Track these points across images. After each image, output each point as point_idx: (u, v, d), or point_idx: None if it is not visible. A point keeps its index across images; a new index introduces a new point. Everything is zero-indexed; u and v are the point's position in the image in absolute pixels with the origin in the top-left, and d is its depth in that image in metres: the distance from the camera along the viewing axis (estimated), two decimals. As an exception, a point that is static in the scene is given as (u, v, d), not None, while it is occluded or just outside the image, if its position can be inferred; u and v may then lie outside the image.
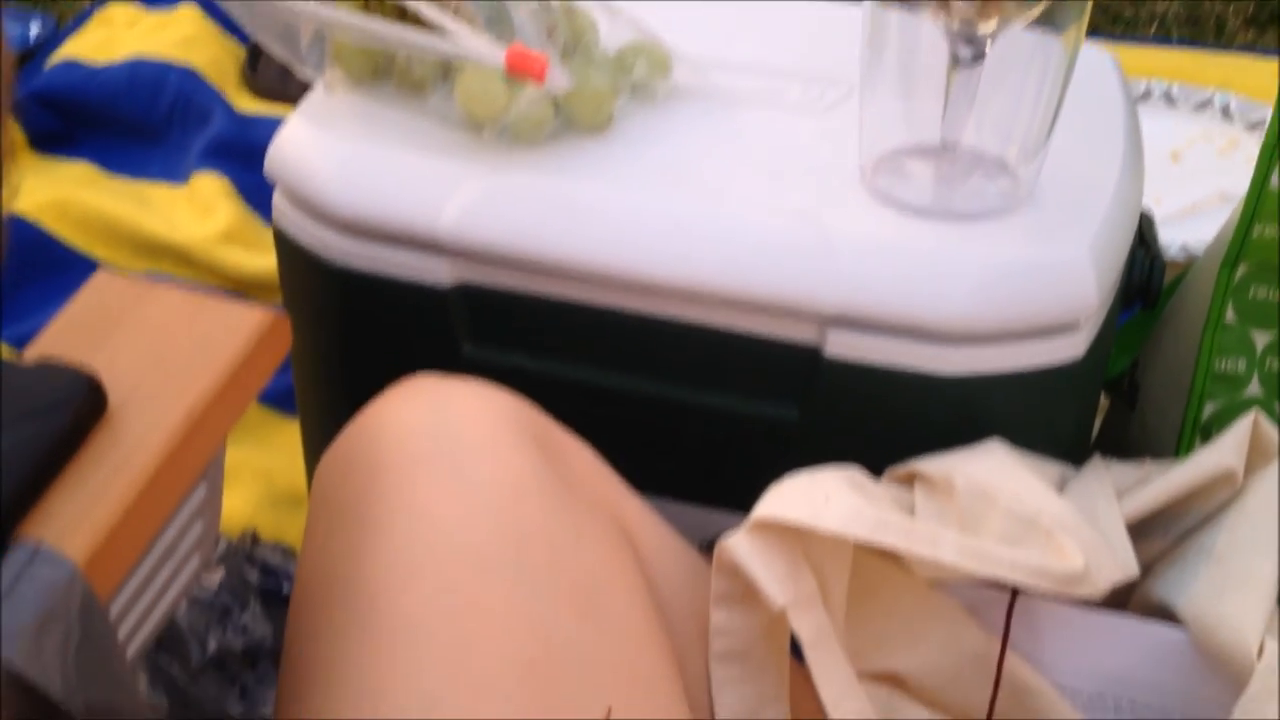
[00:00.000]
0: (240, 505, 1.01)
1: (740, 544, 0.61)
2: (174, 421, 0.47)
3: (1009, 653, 0.65)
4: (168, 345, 0.50)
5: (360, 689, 0.53)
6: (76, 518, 0.44)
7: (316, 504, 0.61)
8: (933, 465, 0.67)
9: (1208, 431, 0.74)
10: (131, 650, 0.49)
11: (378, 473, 0.58)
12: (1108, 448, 0.74)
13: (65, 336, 0.50)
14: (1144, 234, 0.78)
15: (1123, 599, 0.70)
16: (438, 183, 0.73)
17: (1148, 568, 0.69)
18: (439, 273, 0.74)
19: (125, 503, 0.45)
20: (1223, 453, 0.66)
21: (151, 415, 0.47)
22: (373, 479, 0.58)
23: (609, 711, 0.49)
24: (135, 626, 0.49)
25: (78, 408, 0.46)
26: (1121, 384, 0.86)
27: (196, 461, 0.48)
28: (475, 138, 0.74)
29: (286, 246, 0.79)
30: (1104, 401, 0.91)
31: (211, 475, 0.51)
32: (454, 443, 0.59)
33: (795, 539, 0.61)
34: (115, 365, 0.48)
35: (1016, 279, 0.68)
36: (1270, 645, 0.59)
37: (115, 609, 0.47)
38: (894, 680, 0.67)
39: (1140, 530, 0.68)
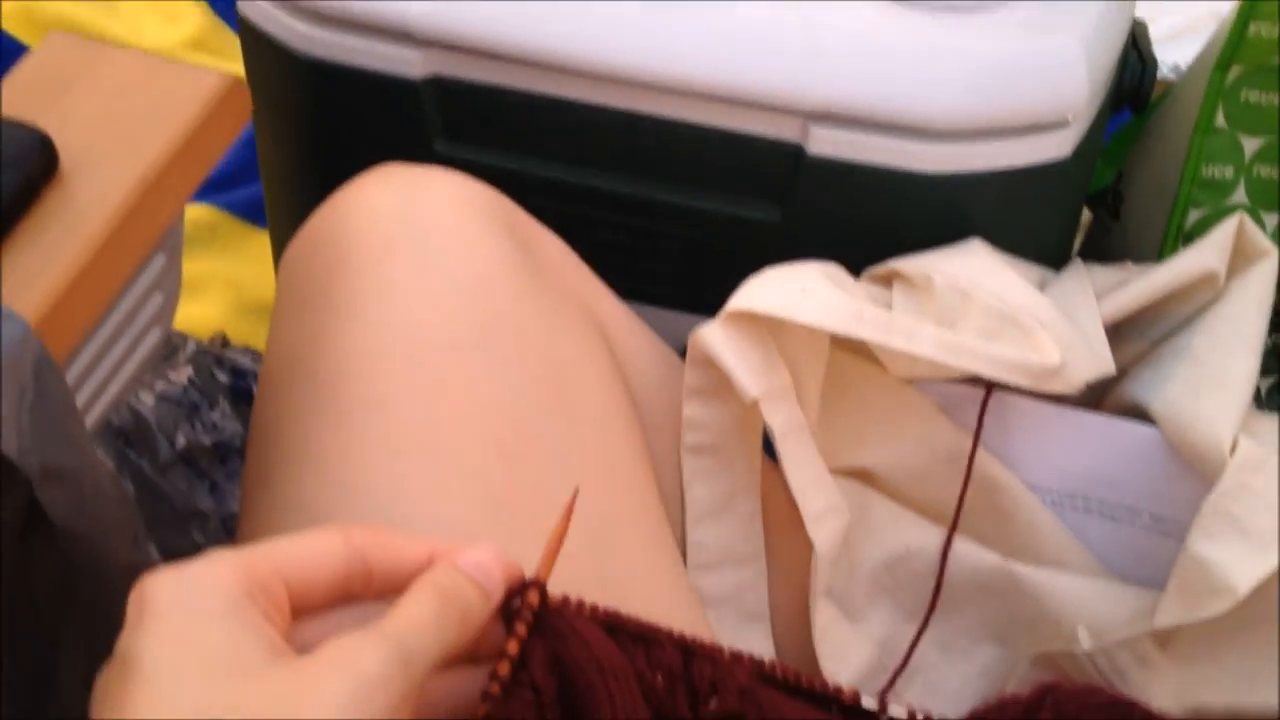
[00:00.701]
0: (210, 313, 0.99)
1: (714, 334, 0.60)
2: (129, 183, 0.46)
3: (980, 450, 0.65)
4: (123, 107, 0.48)
5: (327, 470, 0.53)
6: (29, 276, 0.42)
7: (283, 289, 0.60)
8: (912, 264, 0.66)
9: (1191, 239, 0.73)
10: (91, 418, 0.48)
11: (345, 255, 0.57)
12: (1090, 260, 0.73)
13: (15, 96, 0.48)
14: (1137, 38, 0.76)
15: (1098, 402, 0.70)
16: (409, -33, 0.70)
17: (1124, 371, 0.68)
18: (410, 64, 0.72)
19: (79, 263, 0.43)
20: (1205, 254, 0.65)
21: (106, 176, 0.46)
22: (339, 262, 0.57)
23: (576, 491, 0.48)
24: (94, 395, 0.48)
25: (28, 166, 0.44)
26: (1106, 197, 0.85)
27: (153, 226, 0.47)
28: (448, -79, 0.71)
29: (253, 38, 0.77)
30: (1087, 217, 0.90)
31: (170, 246, 0.50)
32: (423, 226, 0.57)
33: (770, 331, 0.60)
34: (68, 126, 0.46)
35: (1007, 71, 0.66)
36: (1243, 443, 0.59)
37: (73, 374, 0.46)
38: (865, 476, 0.67)
39: (1118, 334, 0.68)
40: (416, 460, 0.52)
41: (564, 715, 0.43)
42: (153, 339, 0.51)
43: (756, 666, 0.46)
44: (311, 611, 0.42)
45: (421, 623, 0.40)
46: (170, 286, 0.50)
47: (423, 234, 0.57)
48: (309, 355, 0.56)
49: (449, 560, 0.43)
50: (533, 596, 0.45)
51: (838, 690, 0.46)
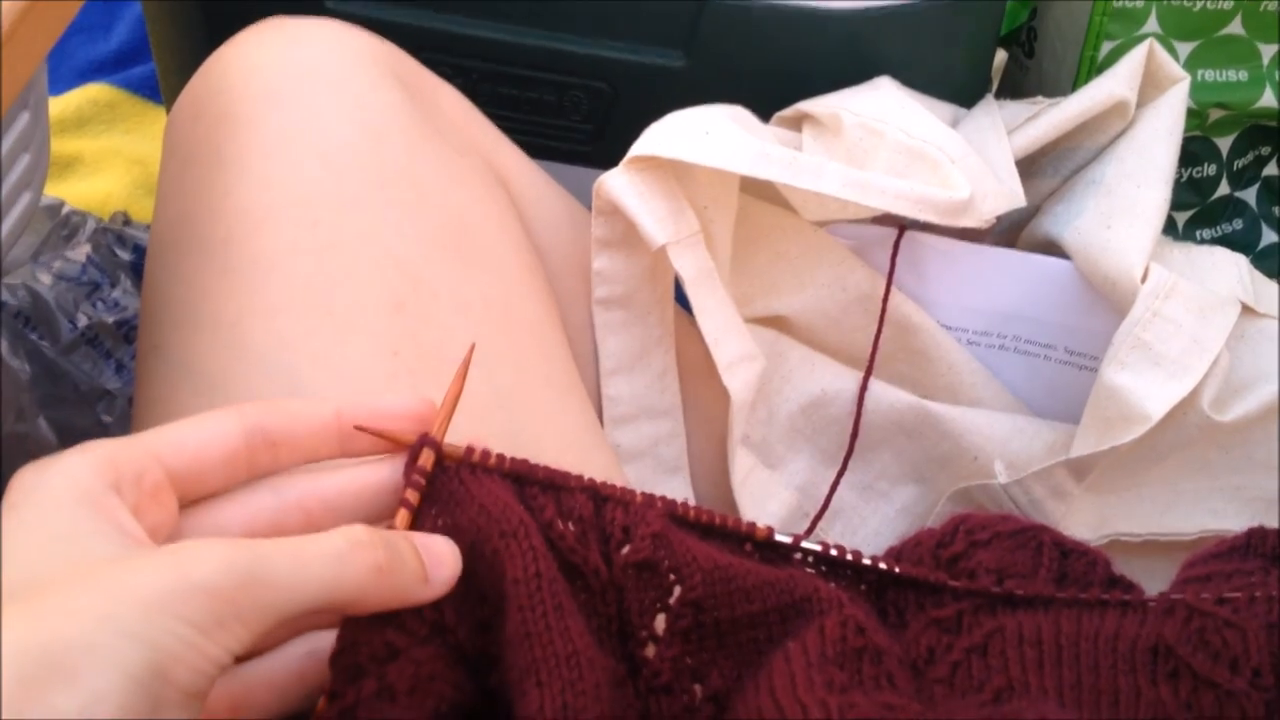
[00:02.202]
0: (112, 191, 0.96)
1: (617, 181, 0.58)
2: (-20, 33, 0.43)
3: (894, 291, 0.64)
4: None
5: (220, 333, 0.51)
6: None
7: (167, 152, 0.58)
8: (820, 104, 0.64)
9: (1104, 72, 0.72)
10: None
11: (226, 112, 0.55)
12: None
13: None
14: None
15: (1013, 240, 0.69)
16: None
17: (1039, 208, 0.68)
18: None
19: (-69, 117, 0.41)
20: (1114, 82, 0.64)
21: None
22: (221, 119, 0.55)
23: (472, 347, 0.47)
24: (-36, 261, 0.46)
25: None
26: (1019, 35, 0.83)
27: (12, 80, 0.44)
28: None
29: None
30: (1003, 58, 0.88)
31: (34, 103, 0.47)
32: (309, 79, 0.55)
33: (676, 176, 0.59)
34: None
35: (909, -100, 0.64)
36: (1155, 270, 0.59)
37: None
38: (780, 323, 0.66)
39: (1031, 169, 0.67)
40: (311, 319, 0.50)
41: (466, 581, 0.42)
42: (24, 202, 0.48)
43: (669, 508, 0.45)
44: (214, 494, 0.41)
45: (307, 553, 0.37)
46: (38, 147, 0.48)
47: (305, 85, 0.55)
48: (197, 217, 0.54)
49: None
50: (425, 459, 0.43)
51: (751, 527, 0.45)
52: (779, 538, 0.45)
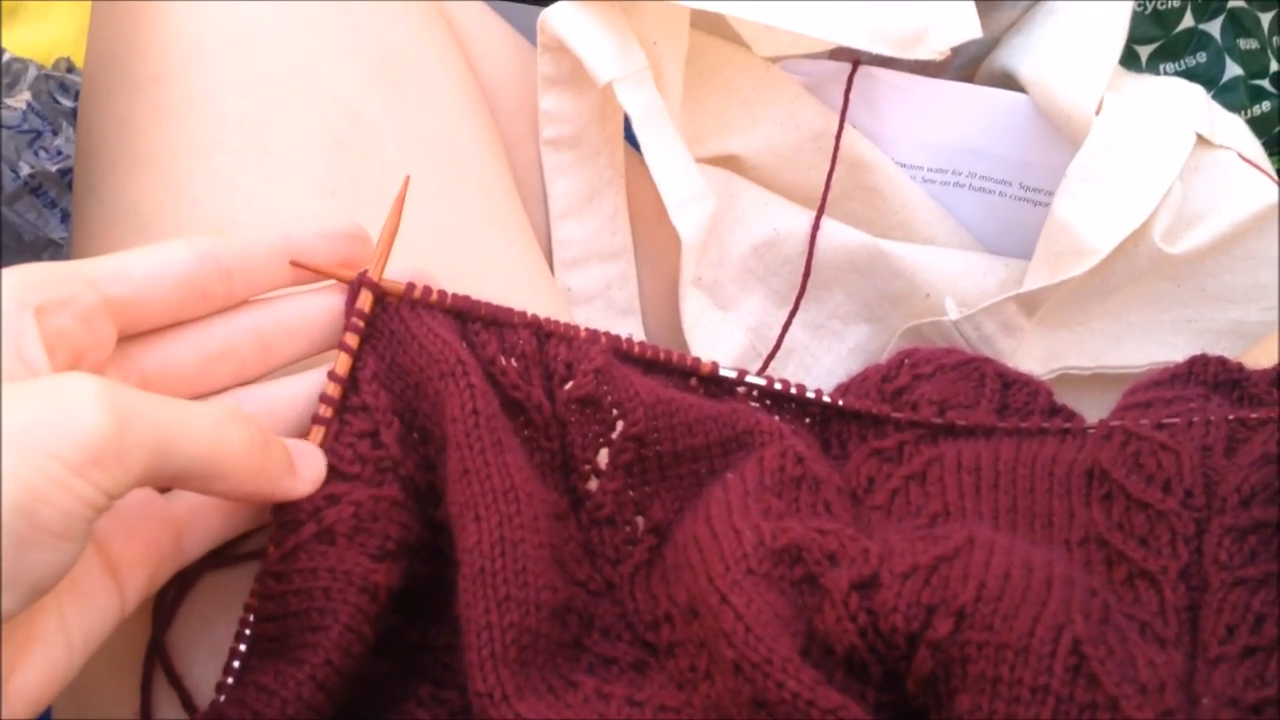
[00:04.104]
0: (57, 38, 0.93)
1: (562, 14, 0.57)
2: None
3: (848, 129, 0.63)
4: None
5: (155, 172, 0.50)
6: None
7: (98, -9, 0.56)
8: (773, -65, 0.62)
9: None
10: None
11: (157, -55, 0.53)
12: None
13: None
14: None
15: (971, 76, 0.68)
16: None
17: (997, 40, 0.66)
18: None
19: None
20: (1076, -91, 0.62)
21: None
22: (151, -47, 0.53)
23: (406, 180, 0.46)
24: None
25: None
26: None
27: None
28: None
29: None
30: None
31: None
32: (240, -90, 0.53)
33: (623, 10, 0.57)
34: None
35: None
36: (1109, 102, 0.58)
37: None
38: (733, 162, 0.65)
39: (989, 1, 0.65)
40: (246, 156, 0.49)
41: (406, 426, 0.42)
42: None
43: (613, 344, 0.44)
44: (166, 324, 0.41)
45: (189, 408, 0.35)
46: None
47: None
48: (128, 55, 0.52)
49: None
50: (364, 300, 0.43)
51: (696, 362, 0.45)
52: (723, 372, 0.45)
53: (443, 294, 0.44)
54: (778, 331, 0.64)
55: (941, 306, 0.61)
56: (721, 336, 0.63)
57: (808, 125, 0.63)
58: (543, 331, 0.44)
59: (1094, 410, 0.47)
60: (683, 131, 0.61)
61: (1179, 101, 0.59)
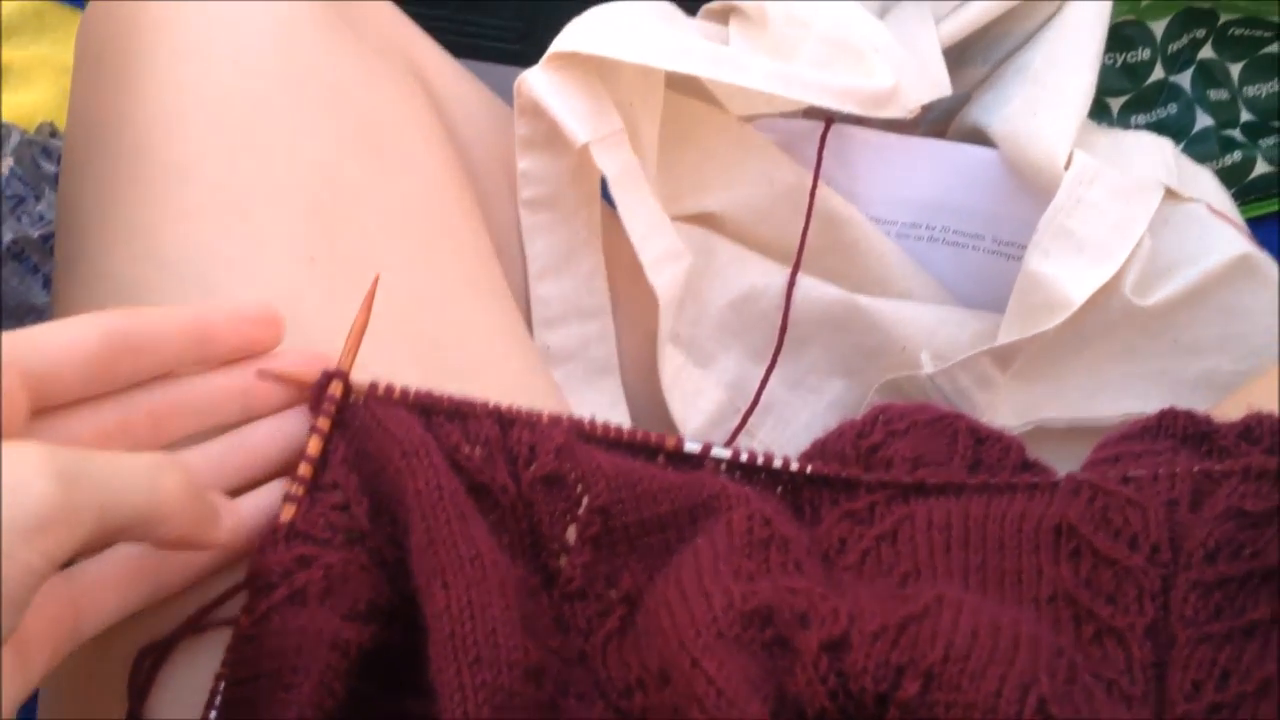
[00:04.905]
0: (40, 102, 0.94)
1: (538, 79, 0.58)
2: None
3: (821, 185, 0.64)
4: None
5: (135, 241, 0.50)
6: None
7: (79, 58, 0.57)
8: (747, -3, 0.64)
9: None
10: None
11: (133, 17, 0.54)
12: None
13: None
14: None
15: (943, 132, 0.69)
16: None
17: (969, 96, 0.67)
18: None
19: None
20: (1042, -33, 0.63)
21: None
22: (129, 25, 0.54)
23: (376, 278, 0.47)
24: None
25: None
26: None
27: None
28: None
29: None
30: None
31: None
32: (218, -22, 0.54)
33: (598, 73, 0.58)
34: None
35: None
36: (1079, 156, 0.59)
37: None
38: (709, 220, 0.65)
39: (962, 57, 0.66)
40: (226, 224, 0.50)
41: (375, 507, 0.42)
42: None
43: (575, 425, 0.45)
44: (71, 401, 0.41)
45: (124, 461, 0.36)
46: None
47: (217, -13, 0.53)
48: (108, 123, 0.53)
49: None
50: (335, 389, 0.43)
51: (661, 439, 0.46)
52: (688, 447, 0.46)
53: (405, 391, 0.44)
54: (755, 387, 0.64)
55: (917, 360, 0.62)
56: (700, 393, 0.64)
57: (782, 182, 0.64)
58: (505, 419, 0.45)
59: (1070, 463, 0.48)
60: (659, 190, 0.62)
61: (1147, 155, 0.60)
